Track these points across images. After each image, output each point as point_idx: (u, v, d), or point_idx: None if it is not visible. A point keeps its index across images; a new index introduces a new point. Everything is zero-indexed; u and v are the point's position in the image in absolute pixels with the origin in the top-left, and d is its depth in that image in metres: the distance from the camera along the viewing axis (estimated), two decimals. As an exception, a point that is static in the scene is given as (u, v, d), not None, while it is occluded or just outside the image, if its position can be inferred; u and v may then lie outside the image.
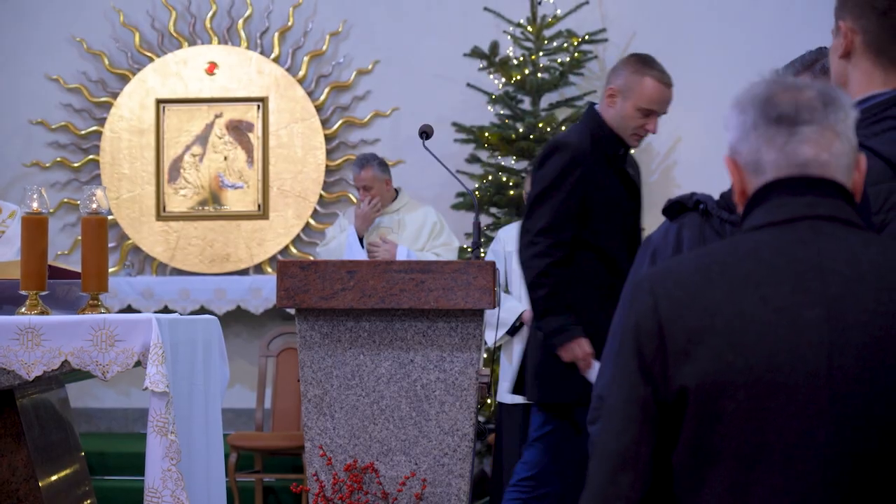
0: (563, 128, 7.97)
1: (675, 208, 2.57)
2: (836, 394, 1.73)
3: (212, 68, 8.83)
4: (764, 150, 1.86)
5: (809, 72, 2.71)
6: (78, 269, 4.10)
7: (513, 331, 6.59)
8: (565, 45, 8.28)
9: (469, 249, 7.63)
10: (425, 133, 4.24)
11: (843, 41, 2.38)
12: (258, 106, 8.79)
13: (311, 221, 8.77)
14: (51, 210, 8.24)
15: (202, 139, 8.80)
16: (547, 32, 8.34)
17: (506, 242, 6.82)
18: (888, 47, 2.35)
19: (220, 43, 8.89)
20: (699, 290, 1.81)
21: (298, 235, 8.78)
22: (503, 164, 8.19)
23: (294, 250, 8.76)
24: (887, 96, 2.32)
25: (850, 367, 1.74)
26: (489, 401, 6.96)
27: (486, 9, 8.34)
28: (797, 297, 1.77)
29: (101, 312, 3.89)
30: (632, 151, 4.65)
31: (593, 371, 4.12)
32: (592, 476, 1.87)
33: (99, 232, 3.98)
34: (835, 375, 1.73)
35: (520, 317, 6.56)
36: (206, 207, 8.78)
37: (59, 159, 8.90)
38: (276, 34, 8.86)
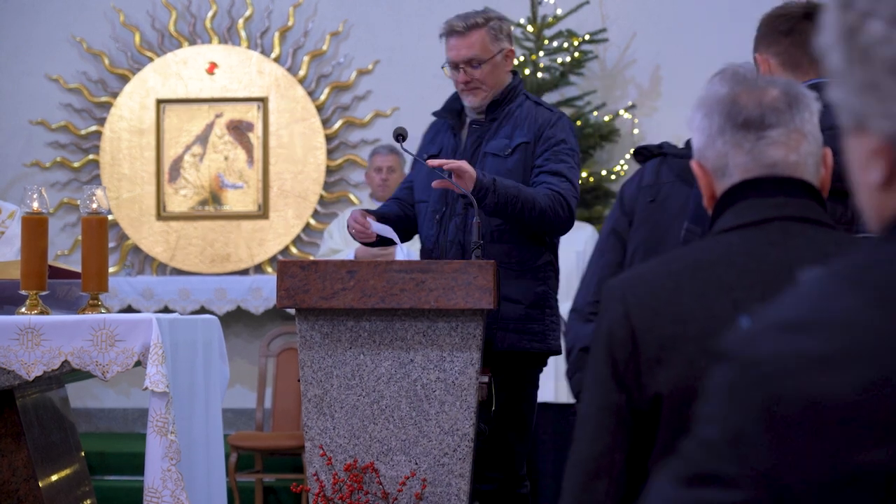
0: (564, 128, 7.97)
1: (645, 153, 3.09)
2: None
3: (212, 68, 8.82)
4: (731, 155, 1.85)
5: None
6: (78, 269, 4.09)
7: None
8: (565, 44, 8.28)
9: (469, 249, 7.62)
10: (401, 136, 4.22)
11: (762, 69, 2.72)
12: (258, 106, 8.79)
13: (312, 221, 8.77)
14: (51, 210, 8.25)
15: (202, 139, 8.80)
16: (547, 32, 8.33)
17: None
18: (799, 60, 2.71)
19: (220, 43, 8.89)
20: (671, 297, 1.79)
21: (299, 235, 8.78)
22: (503, 164, 8.19)
23: (294, 250, 8.76)
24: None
25: None
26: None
27: (486, 9, 8.32)
28: (768, 300, 1.73)
29: (101, 312, 3.89)
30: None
31: None
32: (568, 483, 1.87)
33: (99, 232, 3.98)
34: None
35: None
36: (207, 207, 8.78)
37: (59, 159, 8.90)
38: (277, 34, 8.86)
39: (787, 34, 2.70)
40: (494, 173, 3.99)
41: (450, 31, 4.26)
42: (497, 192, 3.86)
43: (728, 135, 1.85)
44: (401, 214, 4.31)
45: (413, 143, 4.58)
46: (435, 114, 4.38)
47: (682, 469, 0.98)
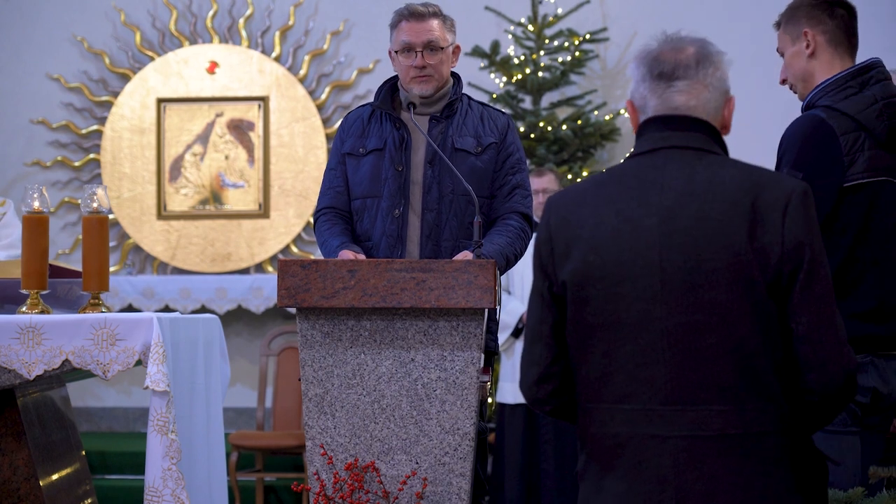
0: (564, 127, 7.97)
1: None
2: (666, 280, 2.35)
3: (213, 67, 8.83)
4: (648, 97, 2.46)
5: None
6: (79, 268, 4.09)
7: (517, 333, 6.57)
8: (566, 44, 8.28)
9: (470, 249, 7.61)
10: (412, 104, 4.21)
11: (810, 43, 3.42)
12: (259, 105, 8.79)
13: (312, 220, 8.76)
14: (52, 209, 8.25)
15: (203, 138, 8.80)
16: (548, 32, 8.33)
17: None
18: (843, 41, 3.43)
19: (221, 42, 8.89)
20: (576, 208, 2.44)
21: (299, 234, 8.78)
22: (504, 163, 8.18)
23: (295, 249, 8.76)
24: (846, 72, 3.39)
25: (675, 260, 2.35)
26: (490, 400, 6.95)
27: (487, 8, 8.33)
28: (641, 209, 2.38)
29: (102, 311, 3.89)
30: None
31: None
32: (523, 345, 2.66)
33: (100, 231, 3.98)
34: (664, 267, 2.35)
35: (521, 318, 6.55)
36: (207, 206, 8.78)
37: (60, 158, 8.90)
38: (277, 33, 8.86)
39: (832, 17, 3.39)
40: (466, 169, 4.01)
41: (409, 14, 4.15)
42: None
43: (648, 82, 2.45)
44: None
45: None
46: (375, 105, 4.27)
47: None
